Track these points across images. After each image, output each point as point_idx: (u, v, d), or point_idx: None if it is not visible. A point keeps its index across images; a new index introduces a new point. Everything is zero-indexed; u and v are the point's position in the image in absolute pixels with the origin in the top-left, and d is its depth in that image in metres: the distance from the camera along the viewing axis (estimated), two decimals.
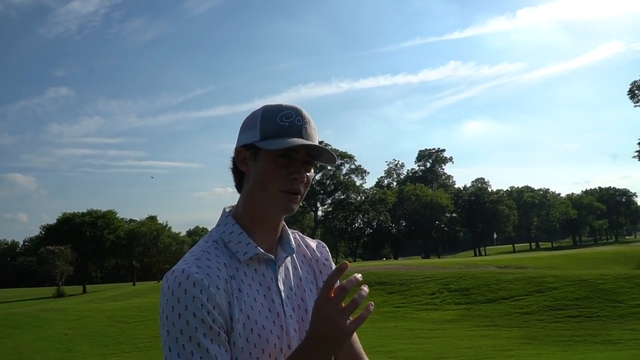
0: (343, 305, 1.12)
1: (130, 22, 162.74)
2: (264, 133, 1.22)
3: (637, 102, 47.57)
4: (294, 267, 1.37)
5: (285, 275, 1.32)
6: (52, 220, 67.96)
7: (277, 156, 1.22)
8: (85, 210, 67.13)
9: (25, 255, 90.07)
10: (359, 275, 1.15)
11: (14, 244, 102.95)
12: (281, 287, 1.29)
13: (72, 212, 66.65)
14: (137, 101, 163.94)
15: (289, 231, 1.39)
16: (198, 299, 1.10)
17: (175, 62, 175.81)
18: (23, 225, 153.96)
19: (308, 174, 1.26)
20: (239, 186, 1.32)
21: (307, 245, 1.46)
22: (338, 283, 1.17)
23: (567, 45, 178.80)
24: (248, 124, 1.28)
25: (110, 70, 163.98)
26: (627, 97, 47.87)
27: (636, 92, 47.27)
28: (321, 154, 1.26)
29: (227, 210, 1.33)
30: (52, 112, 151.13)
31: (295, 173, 1.23)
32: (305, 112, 1.28)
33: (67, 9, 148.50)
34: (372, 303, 1.21)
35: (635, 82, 47.19)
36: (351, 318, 1.13)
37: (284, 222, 1.35)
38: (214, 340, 1.11)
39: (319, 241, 1.50)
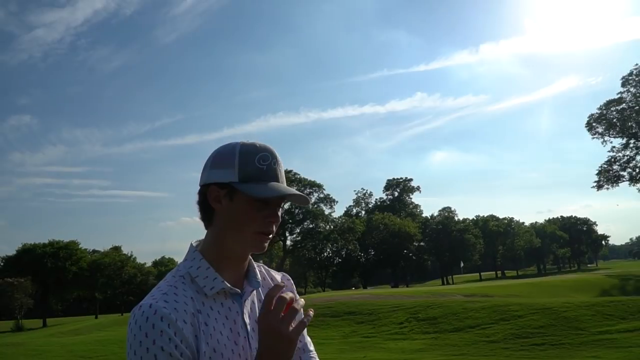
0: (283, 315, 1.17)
1: (96, 50, 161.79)
2: (243, 175, 1.25)
3: (595, 134, 49.35)
4: (260, 300, 1.40)
5: (250, 308, 1.36)
6: (12, 252, 65.87)
7: (255, 200, 1.25)
8: (46, 241, 65.31)
9: None
10: (301, 301, 1.24)
11: None
12: (247, 320, 1.32)
13: (33, 242, 64.82)
14: (103, 129, 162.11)
15: (255, 264, 1.45)
16: (165, 333, 1.13)
17: (142, 90, 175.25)
18: None
19: (279, 214, 1.32)
20: (206, 220, 1.34)
21: (272, 278, 1.51)
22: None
23: (527, 78, 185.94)
24: (223, 161, 1.29)
25: (76, 98, 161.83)
26: (585, 129, 49.64)
27: (593, 124, 49.05)
28: (294, 197, 1.29)
29: (194, 244, 1.37)
30: (14, 140, 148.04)
31: (271, 216, 1.28)
32: (276, 153, 1.33)
33: (32, 37, 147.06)
34: (312, 310, 1.27)
35: (592, 115, 49.01)
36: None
37: (250, 256, 1.41)
38: None
39: (284, 274, 1.57)
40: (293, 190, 1.28)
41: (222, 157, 1.30)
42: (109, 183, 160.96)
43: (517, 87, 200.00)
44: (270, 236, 1.31)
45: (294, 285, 1.57)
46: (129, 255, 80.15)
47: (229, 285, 1.29)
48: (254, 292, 1.40)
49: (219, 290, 1.28)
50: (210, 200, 1.30)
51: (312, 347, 1.53)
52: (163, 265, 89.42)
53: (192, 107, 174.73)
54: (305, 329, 1.54)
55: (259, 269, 1.48)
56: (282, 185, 1.29)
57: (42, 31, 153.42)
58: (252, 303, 1.38)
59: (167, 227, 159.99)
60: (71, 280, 63.84)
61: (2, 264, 64.37)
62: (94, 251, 78.49)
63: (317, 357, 1.53)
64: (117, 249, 77.28)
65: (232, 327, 1.28)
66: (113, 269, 69.40)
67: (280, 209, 1.33)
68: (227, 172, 1.27)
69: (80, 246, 68.48)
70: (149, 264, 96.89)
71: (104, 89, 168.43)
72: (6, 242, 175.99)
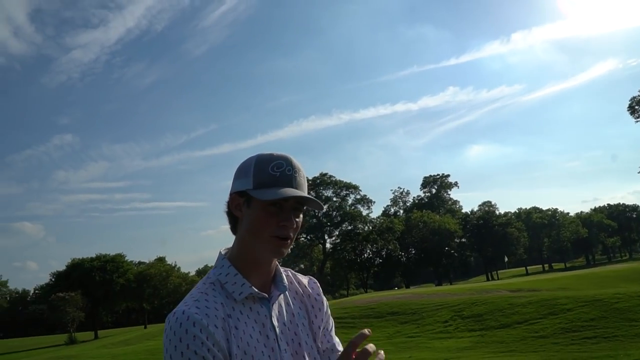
0: None
1: (130, 67, 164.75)
2: (256, 182, 1.33)
3: (638, 117, 47.66)
4: (287, 304, 1.47)
5: (278, 311, 1.42)
6: (62, 267, 68.09)
7: (268, 205, 1.32)
8: (94, 255, 67.18)
9: (36, 303, 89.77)
10: (366, 331, 1.30)
11: (25, 292, 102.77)
12: (275, 323, 1.38)
13: (81, 257, 66.76)
14: (140, 144, 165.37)
15: (282, 269, 1.50)
16: (198, 338, 1.21)
17: (176, 103, 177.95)
18: (33, 274, 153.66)
19: (297, 219, 1.37)
20: (233, 229, 1.43)
21: (299, 282, 1.57)
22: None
23: (563, 64, 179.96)
24: (242, 172, 1.39)
25: (114, 115, 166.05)
26: (628, 112, 48.00)
27: (636, 107, 47.40)
28: (309, 201, 1.36)
29: (222, 252, 1.45)
30: (58, 159, 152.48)
31: (284, 220, 1.33)
32: (295, 161, 1.39)
33: (69, 58, 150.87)
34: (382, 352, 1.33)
35: (634, 97, 47.38)
36: None
37: (277, 262, 1.47)
38: None
39: (310, 277, 1.61)
40: (300, 192, 1.34)
41: (243, 168, 1.40)
42: (150, 195, 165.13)
43: (552, 74, 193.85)
44: (288, 241, 1.35)
45: (320, 288, 1.61)
46: (173, 265, 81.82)
47: (256, 290, 1.36)
48: (281, 296, 1.46)
49: (247, 295, 1.35)
50: (233, 209, 1.40)
51: (340, 347, 1.55)
52: (206, 274, 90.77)
53: (225, 116, 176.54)
54: (334, 331, 1.57)
55: (286, 273, 1.54)
56: (293, 189, 1.34)
57: (78, 52, 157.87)
58: (279, 307, 1.44)
59: (207, 236, 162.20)
60: (119, 292, 65.45)
61: (53, 279, 66.54)
62: (140, 263, 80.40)
63: None
64: (161, 259, 78.83)
65: (261, 330, 1.35)
66: (159, 280, 70.76)
67: (300, 214, 1.39)
68: (245, 181, 1.36)
69: (126, 258, 70.22)
70: (192, 272, 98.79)
71: (140, 104, 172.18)
72: (56, 258, 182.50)
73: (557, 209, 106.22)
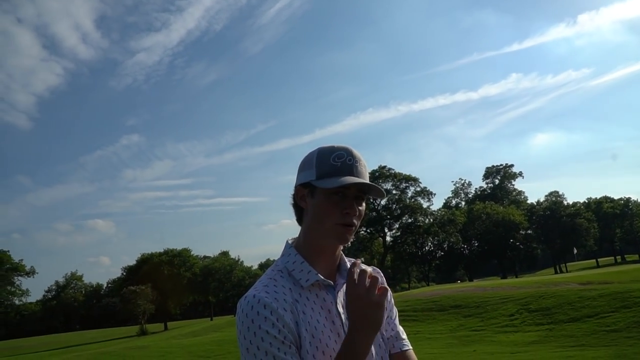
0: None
1: (192, 68, 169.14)
2: (319, 173, 1.41)
3: None
4: None
5: (343, 299, 1.46)
6: (132, 261, 71.11)
7: (331, 193, 1.40)
8: (162, 250, 69.81)
9: (109, 296, 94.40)
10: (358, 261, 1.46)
11: (99, 286, 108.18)
12: (340, 310, 1.45)
13: (150, 252, 69.47)
14: (203, 142, 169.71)
15: (346, 259, 1.57)
16: (269, 319, 1.29)
17: (236, 101, 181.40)
18: (105, 268, 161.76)
19: (360, 207, 1.43)
20: (299, 220, 1.52)
21: None
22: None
23: (634, 45, 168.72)
24: (305, 165, 1.47)
25: (177, 115, 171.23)
26: None
27: None
28: (371, 189, 1.42)
29: (289, 242, 1.54)
30: (126, 158, 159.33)
31: (347, 208, 1.40)
32: (355, 152, 1.47)
33: (134, 61, 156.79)
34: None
35: None
36: None
37: (341, 252, 1.55)
38: (287, 353, 1.28)
39: (374, 267, 1.65)
40: (360, 179, 1.40)
41: (305, 161, 1.49)
42: (213, 192, 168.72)
43: (623, 57, 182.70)
44: (352, 228, 1.42)
45: (384, 278, 1.65)
46: (237, 259, 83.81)
47: (322, 277, 1.44)
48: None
49: (313, 282, 1.42)
50: (298, 200, 1.49)
51: (404, 336, 1.61)
52: (270, 265, 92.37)
53: (283, 112, 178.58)
54: (398, 320, 1.63)
55: (351, 262, 1.58)
56: (354, 177, 1.40)
57: (142, 55, 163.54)
58: (344, 294, 1.48)
59: (269, 230, 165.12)
60: (186, 285, 67.75)
61: (124, 273, 69.72)
62: (205, 257, 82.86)
63: (409, 344, 1.60)
64: (225, 254, 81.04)
65: (327, 316, 1.42)
66: (223, 273, 72.75)
67: (362, 202, 1.46)
68: (309, 173, 1.44)
69: (192, 253, 72.59)
70: (255, 266, 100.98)
71: (201, 104, 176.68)
72: (127, 253, 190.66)
73: (629, 197, 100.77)
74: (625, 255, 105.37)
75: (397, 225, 73.12)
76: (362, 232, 70.24)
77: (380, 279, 1.62)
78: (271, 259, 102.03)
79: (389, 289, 1.61)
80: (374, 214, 69.81)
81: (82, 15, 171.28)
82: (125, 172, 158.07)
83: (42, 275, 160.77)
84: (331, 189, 1.38)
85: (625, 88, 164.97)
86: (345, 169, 1.41)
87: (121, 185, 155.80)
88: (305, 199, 1.46)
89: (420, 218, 71.92)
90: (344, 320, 1.44)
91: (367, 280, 1.35)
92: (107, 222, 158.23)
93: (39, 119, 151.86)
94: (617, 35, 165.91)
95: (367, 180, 1.42)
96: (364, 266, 1.66)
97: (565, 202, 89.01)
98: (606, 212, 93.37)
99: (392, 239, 74.53)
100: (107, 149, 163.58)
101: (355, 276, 1.36)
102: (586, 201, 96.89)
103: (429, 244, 78.15)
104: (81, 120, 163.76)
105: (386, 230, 73.14)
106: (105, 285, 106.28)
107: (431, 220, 73.14)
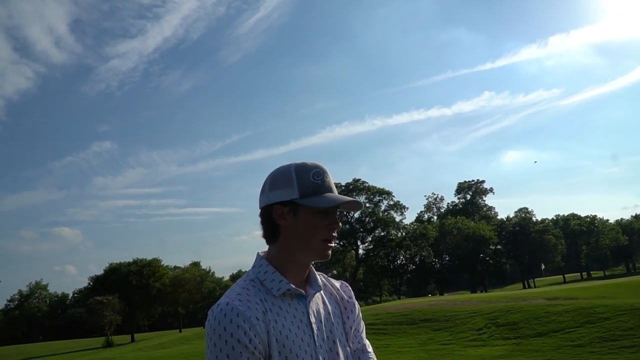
0: None
1: (168, 75, 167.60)
2: (302, 191, 1.44)
3: None
4: (323, 302, 1.57)
5: (315, 309, 1.51)
6: (100, 271, 69.55)
7: (317, 212, 1.45)
8: (131, 260, 68.55)
9: (75, 306, 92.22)
10: None
11: (64, 296, 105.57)
12: (312, 319, 1.48)
13: (118, 262, 68.10)
14: (177, 150, 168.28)
15: (315, 271, 1.60)
16: (241, 328, 1.30)
17: (212, 110, 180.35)
18: (72, 277, 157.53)
19: (339, 222, 1.52)
20: (271, 236, 1.50)
21: (332, 285, 1.67)
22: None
23: (603, 68, 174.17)
24: (280, 182, 1.46)
25: (151, 122, 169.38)
26: None
27: None
28: (349, 204, 1.49)
29: (260, 254, 1.55)
30: (97, 166, 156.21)
31: (333, 224, 1.47)
32: (326, 168, 1.52)
33: (108, 67, 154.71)
34: None
35: None
36: None
37: (311, 264, 1.58)
38: None
39: (342, 281, 1.72)
40: (348, 197, 1.47)
41: (280, 178, 1.48)
42: (185, 201, 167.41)
43: (591, 78, 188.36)
44: (334, 242, 1.50)
45: (352, 291, 1.70)
46: (208, 270, 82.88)
47: (293, 286, 1.46)
48: (317, 295, 1.56)
49: (285, 290, 1.44)
50: (277, 218, 1.46)
51: (370, 349, 1.64)
52: (240, 278, 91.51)
53: (259, 123, 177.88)
54: (364, 333, 1.67)
55: (320, 276, 1.63)
56: (337, 195, 1.48)
57: (117, 61, 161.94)
58: (316, 304, 1.53)
59: (241, 241, 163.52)
60: (155, 296, 66.52)
61: (91, 283, 68.14)
62: (175, 267, 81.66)
63: (375, 358, 1.63)
64: (196, 264, 79.99)
65: (299, 325, 1.45)
66: (193, 284, 71.75)
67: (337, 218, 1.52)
68: (288, 191, 1.45)
69: (162, 263, 71.44)
70: (226, 277, 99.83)
71: (176, 112, 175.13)
72: (94, 263, 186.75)
73: (596, 215, 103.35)
74: (591, 272, 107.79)
75: (369, 238, 73.34)
76: (335, 244, 70.04)
77: (347, 294, 1.68)
78: (243, 270, 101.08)
79: (357, 303, 1.67)
80: (347, 226, 69.96)
81: (56, 18, 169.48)
82: (96, 179, 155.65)
83: (5, 284, 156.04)
84: (317, 208, 1.43)
85: (593, 109, 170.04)
86: (325, 187, 1.47)
87: (91, 193, 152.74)
88: (285, 217, 1.45)
89: (392, 231, 72.30)
90: (315, 331, 1.47)
91: None
92: (74, 230, 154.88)
93: (7, 122, 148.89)
94: (586, 57, 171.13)
95: (347, 197, 1.47)
96: (333, 281, 1.71)
97: (534, 219, 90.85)
98: (573, 229, 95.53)
99: (364, 252, 74.69)
100: (77, 155, 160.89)
101: None
102: (554, 218, 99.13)
103: (401, 257, 78.70)
104: (51, 125, 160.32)
105: (359, 243, 73.32)
106: (71, 295, 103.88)
107: (403, 233, 73.59)
